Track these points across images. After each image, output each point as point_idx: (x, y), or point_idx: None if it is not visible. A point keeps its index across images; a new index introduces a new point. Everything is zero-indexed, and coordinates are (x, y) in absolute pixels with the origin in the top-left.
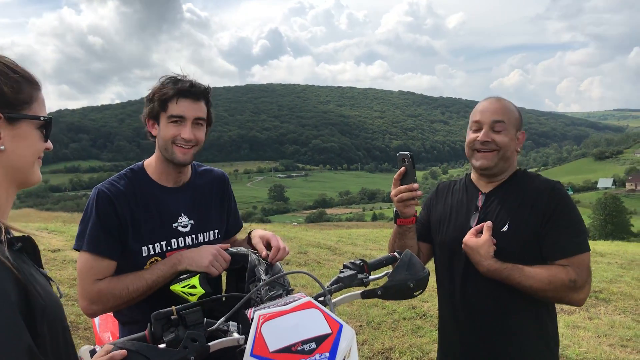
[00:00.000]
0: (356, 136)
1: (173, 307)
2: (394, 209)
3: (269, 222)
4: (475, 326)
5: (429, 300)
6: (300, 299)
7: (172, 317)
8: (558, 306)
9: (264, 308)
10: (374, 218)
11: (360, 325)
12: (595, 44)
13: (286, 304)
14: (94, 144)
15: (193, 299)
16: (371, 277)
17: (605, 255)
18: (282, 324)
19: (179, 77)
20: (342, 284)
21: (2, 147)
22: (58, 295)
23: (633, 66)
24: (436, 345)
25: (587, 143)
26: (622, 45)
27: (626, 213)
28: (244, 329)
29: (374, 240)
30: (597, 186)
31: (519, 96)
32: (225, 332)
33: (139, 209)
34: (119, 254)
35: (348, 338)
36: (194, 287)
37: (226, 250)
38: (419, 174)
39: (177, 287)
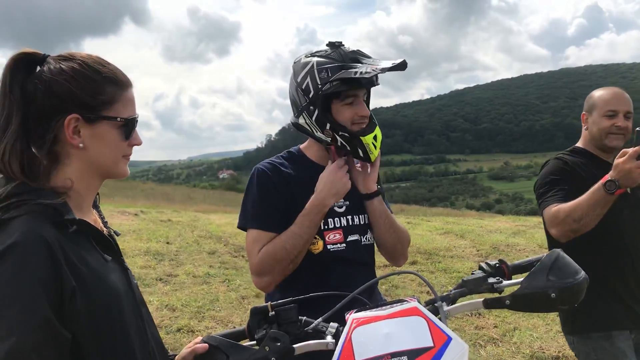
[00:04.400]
0: None
1: (269, 303)
2: (613, 178)
3: None
4: None
5: None
6: (406, 302)
7: (270, 313)
8: None
9: (363, 310)
10: None
11: None
12: None
13: (391, 307)
14: (405, 139)
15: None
16: (506, 282)
17: None
18: (375, 331)
19: None
20: (466, 288)
21: (82, 145)
22: (127, 281)
23: None
24: None
25: None
26: None
27: None
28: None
29: None
30: None
31: None
32: (323, 333)
33: (298, 187)
34: (284, 227)
35: (455, 355)
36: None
37: None
38: None
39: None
